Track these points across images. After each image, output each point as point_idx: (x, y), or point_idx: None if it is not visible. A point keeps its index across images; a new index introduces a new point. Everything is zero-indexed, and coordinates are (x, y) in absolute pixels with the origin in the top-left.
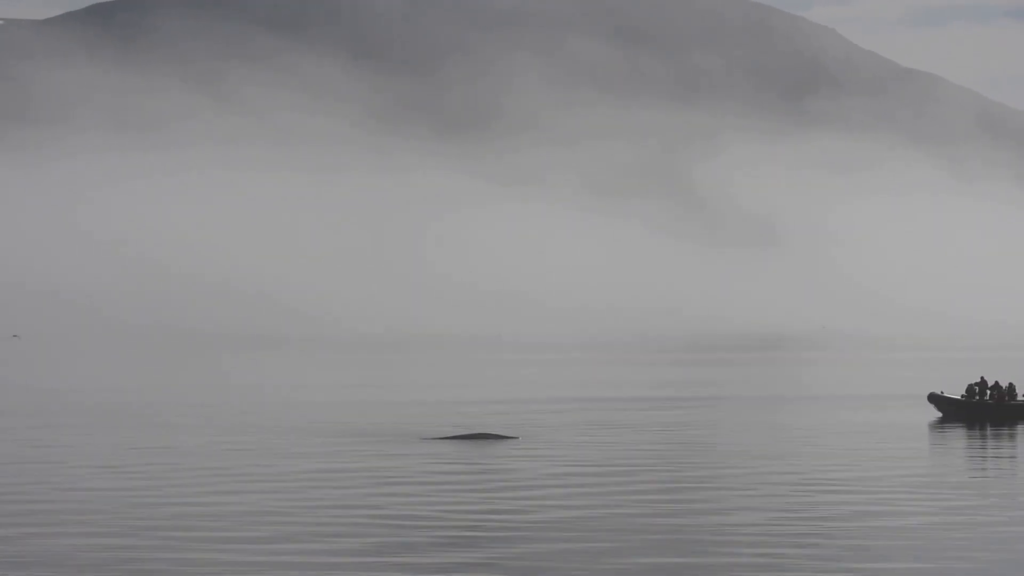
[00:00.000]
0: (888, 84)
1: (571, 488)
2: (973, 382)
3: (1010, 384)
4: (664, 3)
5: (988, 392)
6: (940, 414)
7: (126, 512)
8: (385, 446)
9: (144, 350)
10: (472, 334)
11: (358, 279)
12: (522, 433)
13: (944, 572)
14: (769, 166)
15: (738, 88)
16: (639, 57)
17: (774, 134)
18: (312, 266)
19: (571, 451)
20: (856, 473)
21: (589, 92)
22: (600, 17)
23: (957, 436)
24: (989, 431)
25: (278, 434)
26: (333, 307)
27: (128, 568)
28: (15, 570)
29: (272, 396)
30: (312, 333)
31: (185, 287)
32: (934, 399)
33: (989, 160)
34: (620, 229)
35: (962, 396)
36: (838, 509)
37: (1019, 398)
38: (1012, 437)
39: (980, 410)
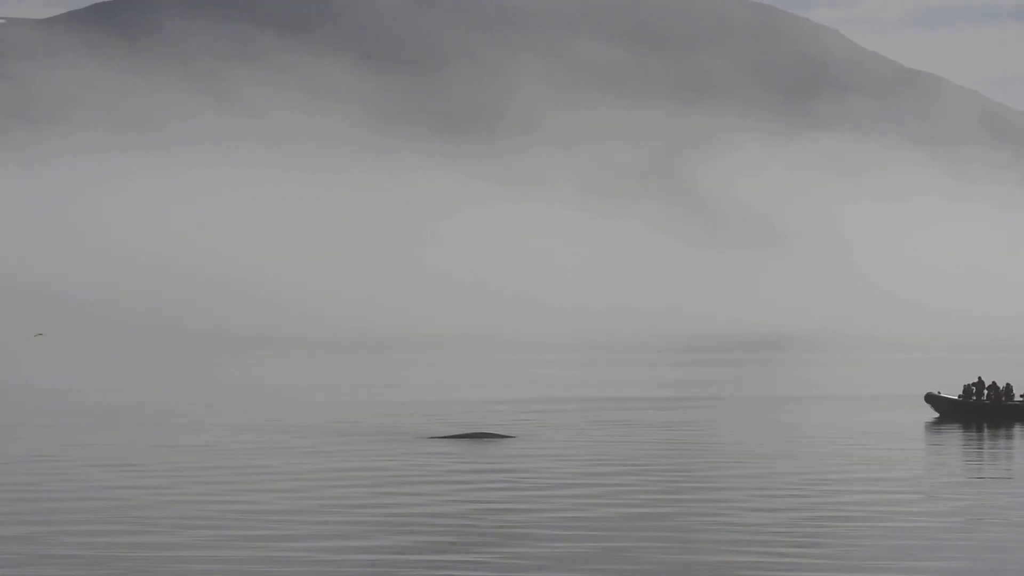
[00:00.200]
0: (891, 85)
1: (568, 488)
2: (970, 382)
3: (1007, 384)
4: (668, 4)
5: (985, 392)
6: (937, 414)
7: (126, 512)
8: (384, 446)
9: (144, 350)
10: (472, 334)
11: (358, 279)
12: (520, 433)
13: (941, 572)
14: (771, 166)
15: (741, 89)
16: (643, 58)
17: (777, 134)
18: (312, 266)
19: (568, 451)
20: (851, 474)
21: (592, 93)
22: (604, 18)
23: (953, 436)
24: (986, 431)
25: (277, 434)
26: (333, 307)
27: (132, 567)
28: (25, 567)
29: (271, 396)
30: (312, 333)
31: (185, 287)
32: (931, 399)
33: (992, 161)
34: (621, 229)
35: (959, 396)
36: (835, 509)
37: (1017, 398)
38: (1009, 437)
39: (977, 410)
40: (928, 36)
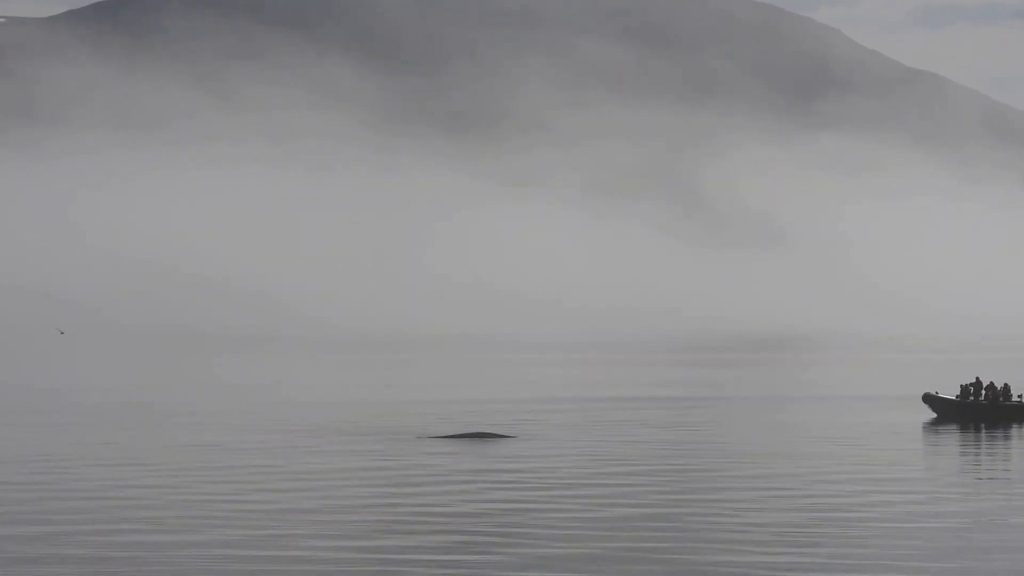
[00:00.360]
0: (894, 85)
1: (568, 488)
2: (968, 382)
3: (1005, 385)
4: (672, 4)
5: (983, 392)
6: (935, 414)
7: (127, 512)
8: (384, 445)
9: (144, 349)
10: (472, 334)
11: (358, 279)
12: (520, 433)
13: (940, 572)
14: (773, 166)
15: (744, 88)
16: (647, 58)
17: (778, 134)
18: (312, 266)
19: (569, 450)
20: (850, 474)
21: (597, 93)
22: (608, 18)
23: (951, 437)
24: (983, 432)
25: (276, 434)
26: (333, 307)
27: (133, 566)
28: (27, 566)
29: (271, 396)
30: (312, 333)
31: (185, 287)
32: (929, 399)
33: (994, 161)
34: (622, 229)
35: (956, 396)
36: (835, 509)
37: (1015, 399)
38: (1006, 438)
39: (975, 411)
40: (930, 36)
